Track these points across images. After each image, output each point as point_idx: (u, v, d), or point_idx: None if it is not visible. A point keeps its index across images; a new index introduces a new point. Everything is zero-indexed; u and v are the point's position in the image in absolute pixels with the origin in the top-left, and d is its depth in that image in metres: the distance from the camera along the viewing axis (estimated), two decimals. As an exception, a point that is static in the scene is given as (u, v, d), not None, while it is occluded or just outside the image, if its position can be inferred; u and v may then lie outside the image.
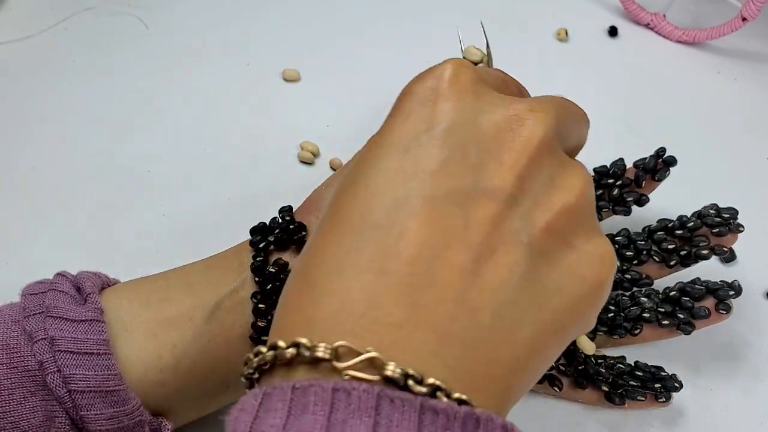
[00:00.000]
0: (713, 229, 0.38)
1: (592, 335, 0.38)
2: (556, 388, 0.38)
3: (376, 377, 0.21)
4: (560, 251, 0.24)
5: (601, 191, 0.41)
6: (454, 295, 0.22)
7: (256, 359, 0.22)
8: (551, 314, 0.24)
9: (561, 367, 0.38)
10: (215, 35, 0.55)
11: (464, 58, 0.36)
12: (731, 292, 0.37)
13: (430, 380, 0.21)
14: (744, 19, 0.53)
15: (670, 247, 0.39)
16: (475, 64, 0.36)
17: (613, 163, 0.41)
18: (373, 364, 0.21)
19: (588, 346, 0.37)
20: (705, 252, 0.38)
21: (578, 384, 0.38)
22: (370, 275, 0.22)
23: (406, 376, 0.21)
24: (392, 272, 0.22)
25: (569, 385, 0.38)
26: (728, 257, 0.44)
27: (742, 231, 0.38)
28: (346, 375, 0.21)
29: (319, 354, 0.21)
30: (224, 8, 0.57)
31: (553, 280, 0.24)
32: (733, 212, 0.38)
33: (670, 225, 0.39)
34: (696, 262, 0.39)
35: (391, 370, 0.21)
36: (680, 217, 0.39)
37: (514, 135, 0.25)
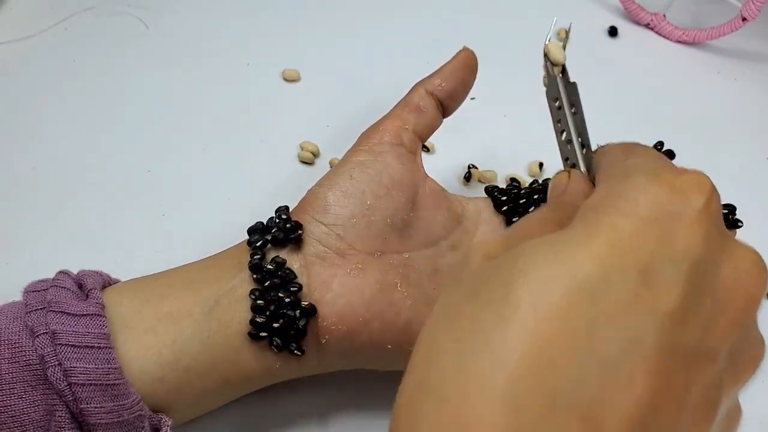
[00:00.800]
0: (712, 224, 0.38)
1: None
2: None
3: None
4: (716, 424, 0.24)
5: None
6: None
7: None
8: None
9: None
10: (215, 35, 0.55)
11: (545, 54, 0.32)
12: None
13: None
14: (744, 19, 0.53)
15: None
16: (554, 65, 0.33)
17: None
18: None
19: None
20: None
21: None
22: (586, 416, 0.20)
23: None
24: (609, 426, 0.20)
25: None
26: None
27: (740, 226, 0.38)
28: None
29: None
30: (224, 8, 0.57)
31: None
32: (732, 208, 0.38)
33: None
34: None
35: None
36: (680, 214, 0.39)
37: (742, 288, 0.23)
